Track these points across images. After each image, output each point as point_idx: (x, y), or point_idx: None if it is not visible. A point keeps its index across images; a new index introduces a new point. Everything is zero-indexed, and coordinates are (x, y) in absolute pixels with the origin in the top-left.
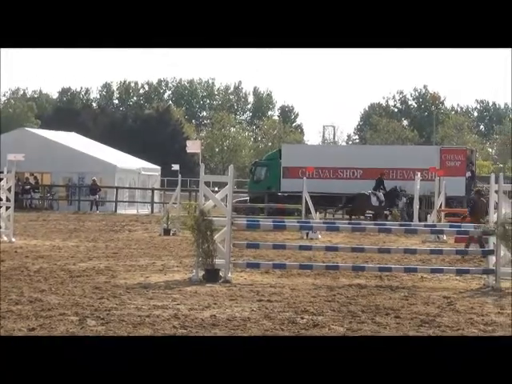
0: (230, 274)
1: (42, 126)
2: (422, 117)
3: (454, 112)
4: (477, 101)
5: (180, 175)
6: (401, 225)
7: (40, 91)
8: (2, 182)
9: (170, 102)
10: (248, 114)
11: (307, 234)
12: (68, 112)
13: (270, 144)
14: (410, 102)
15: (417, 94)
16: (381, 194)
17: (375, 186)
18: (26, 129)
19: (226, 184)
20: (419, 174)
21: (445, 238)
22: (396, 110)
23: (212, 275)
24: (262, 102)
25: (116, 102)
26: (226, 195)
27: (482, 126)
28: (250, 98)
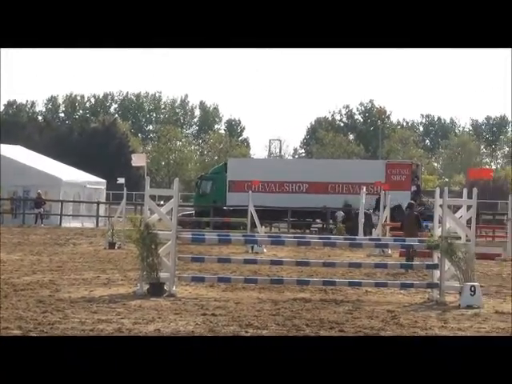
0: (174, 288)
1: None
2: (368, 131)
3: (399, 126)
4: (422, 115)
5: (125, 189)
6: (346, 239)
7: None
8: None
9: (117, 115)
10: (194, 128)
11: (252, 248)
12: (13, 125)
13: (216, 158)
14: (356, 117)
15: (363, 109)
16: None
17: (376, 205)
18: None
19: (171, 197)
20: (365, 188)
21: (389, 251)
22: (342, 124)
23: (157, 289)
24: (209, 116)
25: (62, 115)
26: (172, 209)
27: (427, 141)
28: (197, 112)
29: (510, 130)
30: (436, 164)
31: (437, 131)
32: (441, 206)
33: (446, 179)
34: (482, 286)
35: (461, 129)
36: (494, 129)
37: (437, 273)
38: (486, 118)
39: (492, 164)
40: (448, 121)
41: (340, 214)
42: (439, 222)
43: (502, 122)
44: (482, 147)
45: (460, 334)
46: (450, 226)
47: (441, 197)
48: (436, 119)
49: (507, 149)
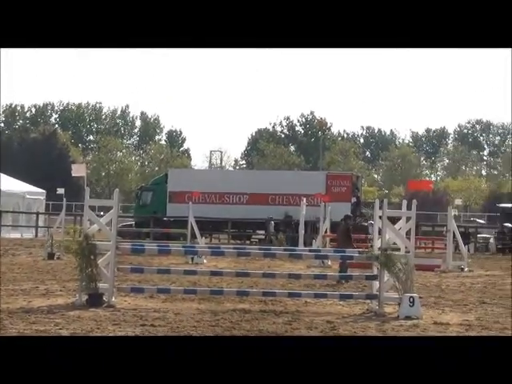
0: (113, 299)
1: None
2: (309, 142)
3: (340, 138)
4: (363, 127)
5: (65, 199)
6: (285, 250)
7: None
8: None
9: (57, 125)
10: (135, 139)
11: (192, 259)
12: None
13: (156, 168)
14: (297, 128)
15: (304, 120)
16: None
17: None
18: None
19: (111, 208)
20: (305, 199)
21: (329, 263)
22: (283, 135)
23: (95, 300)
24: (150, 127)
25: (1, 125)
26: (111, 219)
27: (367, 152)
28: (138, 123)
29: (450, 142)
30: (376, 175)
31: (377, 143)
32: (380, 217)
33: (386, 191)
34: (420, 297)
35: (401, 141)
36: (434, 141)
37: (376, 284)
38: (426, 130)
39: (432, 176)
40: (388, 132)
41: (271, 225)
42: (379, 234)
43: (441, 134)
44: (422, 159)
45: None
46: (389, 238)
47: (380, 208)
48: (376, 131)
49: (447, 161)
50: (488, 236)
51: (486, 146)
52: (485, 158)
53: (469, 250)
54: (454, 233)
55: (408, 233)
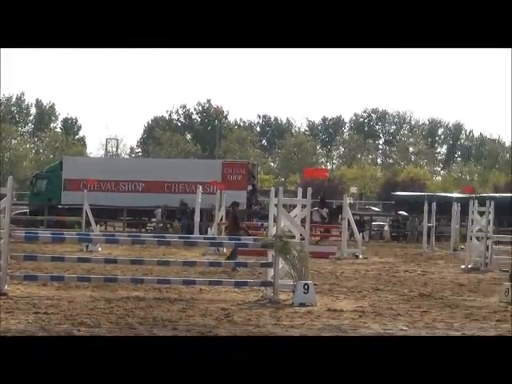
0: (6, 287)
1: None
2: (206, 131)
3: (237, 126)
4: (259, 115)
5: None
6: (181, 237)
7: None
8: None
9: None
10: (30, 126)
11: (87, 247)
12: None
13: (51, 156)
14: (193, 116)
15: (200, 109)
16: (324, 211)
17: (320, 204)
18: None
19: (4, 196)
20: (201, 187)
21: (224, 250)
22: (179, 123)
23: None
24: (45, 114)
25: None
26: (5, 207)
27: (264, 141)
28: (33, 110)
29: (346, 131)
30: (272, 164)
31: (273, 131)
32: (276, 205)
33: (282, 179)
34: (315, 284)
35: (297, 129)
36: (330, 129)
37: (271, 271)
38: (322, 119)
39: (327, 164)
40: (284, 121)
41: (159, 213)
42: (274, 221)
43: (337, 123)
44: (318, 147)
45: (293, 331)
46: (284, 225)
47: (276, 196)
48: (273, 119)
49: (343, 149)
50: (383, 224)
51: (381, 135)
52: (380, 146)
53: (363, 238)
54: (348, 220)
55: (303, 220)
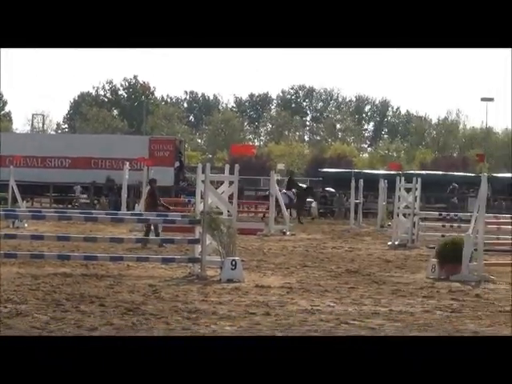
0: None
1: None
2: (133, 107)
3: (164, 102)
4: (186, 92)
5: None
6: (108, 214)
7: None
8: None
9: None
10: None
11: (13, 223)
12: None
13: None
14: (120, 92)
15: (127, 84)
16: (291, 193)
17: (287, 185)
18: None
19: None
20: (128, 163)
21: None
22: (106, 99)
23: None
24: None
25: None
26: None
27: (191, 117)
28: None
29: (273, 107)
30: (200, 140)
31: (200, 108)
32: (203, 181)
33: (210, 155)
34: (243, 261)
35: (224, 105)
36: (258, 106)
37: (198, 247)
38: (249, 96)
39: (255, 141)
40: (212, 97)
41: (77, 189)
42: (201, 198)
43: (265, 100)
44: (246, 124)
45: (220, 307)
46: (211, 202)
47: (203, 172)
48: (200, 96)
49: (270, 126)
50: (310, 200)
51: (308, 112)
52: (307, 123)
53: (291, 214)
54: (276, 197)
55: (231, 197)
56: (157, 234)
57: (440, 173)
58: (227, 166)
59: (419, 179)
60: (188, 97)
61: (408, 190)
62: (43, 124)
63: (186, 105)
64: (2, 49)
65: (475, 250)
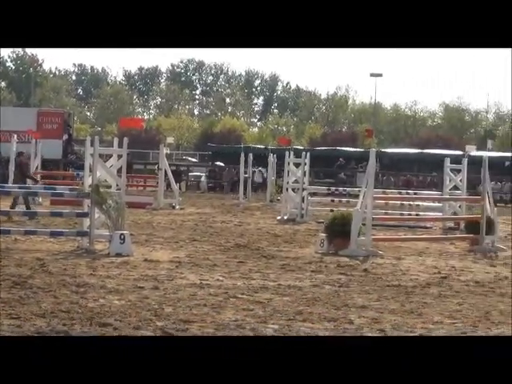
0: None
1: None
2: (20, 79)
3: (52, 75)
4: (75, 64)
5: None
6: None
7: None
8: None
9: None
10: None
11: None
12: None
13: None
14: (7, 64)
15: (15, 56)
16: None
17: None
18: None
19: None
20: (15, 136)
21: (40, 200)
22: None
23: None
24: None
25: None
26: None
27: (80, 90)
28: None
29: (162, 81)
30: (89, 113)
31: (89, 80)
32: (92, 154)
33: (99, 128)
34: (131, 235)
35: (113, 78)
36: (147, 79)
37: (87, 221)
38: (138, 69)
39: (144, 114)
40: (100, 70)
41: None
42: (90, 171)
43: (154, 73)
44: (135, 97)
45: (109, 281)
46: (100, 175)
47: (92, 146)
48: (89, 68)
49: (160, 99)
50: (199, 174)
51: (198, 86)
52: (197, 97)
53: (180, 189)
54: (165, 171)
55: (119, 170)
56: (27, 207)
57: (329, 148)
58: (116, 140)
59: (308, 154)
60: (77, 69)
61: (297, 165)
62: None
63: (74, 77)
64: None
65: (363, 224)
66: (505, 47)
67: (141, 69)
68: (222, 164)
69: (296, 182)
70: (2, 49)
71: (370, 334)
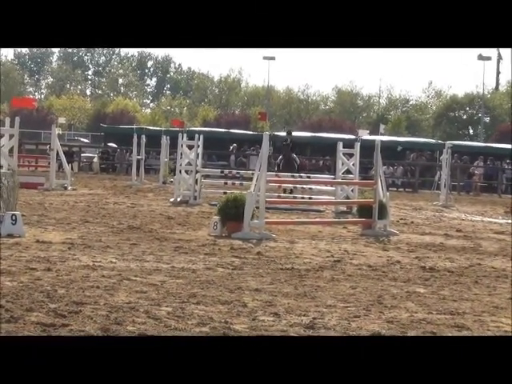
0: None
1: None
2: None
3: None
4: None
5: None
6: None
7: None
8: None
9: None
10: None
11: None
12: None
13: None
14: None
15: None
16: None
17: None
18: None
19: None
20: None
21: None
22: None
23: None
24: None
25: None
26: None
27: None
28: None
29: (54, 60)
30: None
31: None
32: None
33: None
34: (23, 215)
35: (3, 58)
36: (38, 59)
37: None
38: (29, 49)
39: (36, 94)
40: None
41: None
42: None
43: (45, 53)
44: (26, 77)
45: (0, 262)
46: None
47: None
48: None
49: (51, 79)
50: (92, 156)
51: (90, 66)
52: (89, 77)
53: (72, 169)
54: (57, 151)
55: (11, 151)
56: None
57: (222, 130)
58: (8, 119)
59: (201, 136)
60: None
61: (190, 147)
62: None
63: None
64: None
65: (257, 207)
66: (505, 47)
67: (31, 48)
68: (114, 145)
69: (189, 164)
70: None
71: (366, 334)
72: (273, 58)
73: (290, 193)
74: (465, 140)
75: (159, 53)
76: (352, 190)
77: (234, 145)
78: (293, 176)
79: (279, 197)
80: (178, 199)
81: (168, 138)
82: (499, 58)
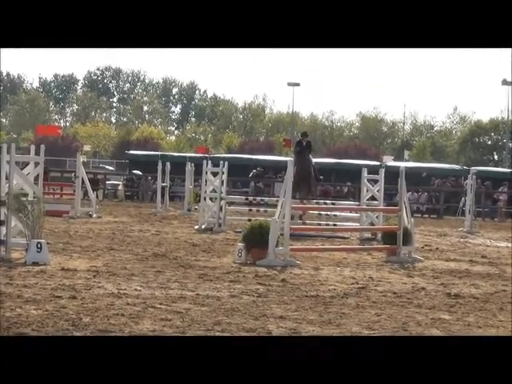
0: None
1: None
2: None
3: None
4: None
5: None
6: None
7: None
8: None
9: None
10: None
11: None
12: None
13: None
14: None
15: None
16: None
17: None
18: None
19: None
20: None
21: None
22: None
23: None
24: None
25: None
26: None
27: None
28: None
29: (79, 88)
30: (4, 120)
31: (5, 87)
32: (8, 162)
33: (15, 135)
34: (48, 243)
35: (29, 85)
36: (63, 86)
37: (3, 229)
38: (54, 76)
39: (61, 121)
40: (16, 77)
41: None
42: (6, 179)
43: (70, 80)
44: (51, 104)
45: (25, 290)
46: (17, 183)
47: (8, 153)
48: (4, 75)
49: (76, 107)
50: (117, 183)
51: (115, 93)
52: (114, 104)
53: (97, 197)
54: (82, 179)
55: (36, 178)
56: None
57: (246, 156)
58: (33, 147)
59: (226, 163)
60: None
61: (215, 174)
62: None
63: None
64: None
65: (281, 234)
66: (505, 47)
67: (56, 76)
68: (139, 172)
69: (214, 191)
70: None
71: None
72: (297, 84)
73: (300, 219)
74: (489, 166)
75: (184, 80)
76: (377, 217)
77: (254, 171)
78: (317, 203)
79: (304, 224)
80: (203, 226)
81: (193, 164)
82: None
